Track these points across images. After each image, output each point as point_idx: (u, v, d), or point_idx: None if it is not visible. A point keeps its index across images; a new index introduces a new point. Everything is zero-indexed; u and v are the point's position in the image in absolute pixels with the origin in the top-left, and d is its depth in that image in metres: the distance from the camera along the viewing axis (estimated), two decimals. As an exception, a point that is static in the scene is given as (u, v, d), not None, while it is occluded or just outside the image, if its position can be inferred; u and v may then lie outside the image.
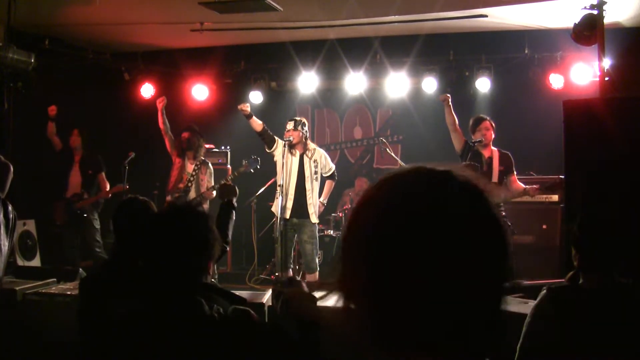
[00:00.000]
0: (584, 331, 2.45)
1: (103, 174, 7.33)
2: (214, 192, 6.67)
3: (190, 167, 6.84)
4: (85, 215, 7.10)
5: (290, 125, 6.69)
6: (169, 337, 1.99)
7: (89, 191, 7.23)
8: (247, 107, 6.73)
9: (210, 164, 7.03)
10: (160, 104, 7.03)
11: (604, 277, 2.53)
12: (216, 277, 6.57)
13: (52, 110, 7.17)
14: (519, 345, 2.62)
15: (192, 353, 1.97)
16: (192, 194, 6.75)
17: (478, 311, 0.90)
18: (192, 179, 6.77)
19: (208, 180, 6.88)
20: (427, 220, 0.89)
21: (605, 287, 2.52)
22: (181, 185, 6.78)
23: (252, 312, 2.06)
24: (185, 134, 6.89)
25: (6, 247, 3.98)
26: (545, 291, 2.60)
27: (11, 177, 4.04)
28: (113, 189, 7.13)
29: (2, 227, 3.87)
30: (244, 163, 6.58)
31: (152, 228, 2.20)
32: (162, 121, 7.01)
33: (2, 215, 3.88)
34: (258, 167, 6.62)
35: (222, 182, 6.26)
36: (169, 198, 6.83)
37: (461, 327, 0.89)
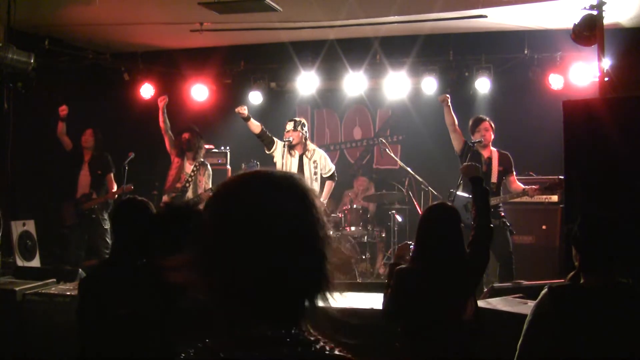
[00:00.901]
0: (584, 331, 2.46)
1: (112, 174, 7.31)
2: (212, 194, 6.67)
3: (189, 168, 6.83)
4: (94, 216, 7.08)
5: (290, 126, 6.68)
6: (172, 337, 1.99)
7: (98, 192, 7.20)
8: (244, 110, 6.72)
9: (209, 166, 7.02)
10: (161, 102, 7.04)
11: (605, 277, 2.53)
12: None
13: (63, 110, 7.15)
14: (519, 344, 2.62)
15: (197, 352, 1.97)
16: (190, 195, 6.74)
17: (287, 297, 1.07)
18: (190, 179, 6.76)
19: (206, 181, 6.88)
20: (252, 217, 1.08)
21: (606, 287, 2.52)
22: (179, 185, 6.78)
23: None
24: (185, 135, 6.88)
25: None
26: (546, 291, 2.60)
27: None
28: (119, 189, 7.11)
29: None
30: (242, 167, 6.60)
31: (151, 228, 2.20)
32: (162, 120, 7.01)
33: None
34: (257, 170, 6.62)
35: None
36: (165, 197, 6.83)
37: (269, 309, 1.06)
